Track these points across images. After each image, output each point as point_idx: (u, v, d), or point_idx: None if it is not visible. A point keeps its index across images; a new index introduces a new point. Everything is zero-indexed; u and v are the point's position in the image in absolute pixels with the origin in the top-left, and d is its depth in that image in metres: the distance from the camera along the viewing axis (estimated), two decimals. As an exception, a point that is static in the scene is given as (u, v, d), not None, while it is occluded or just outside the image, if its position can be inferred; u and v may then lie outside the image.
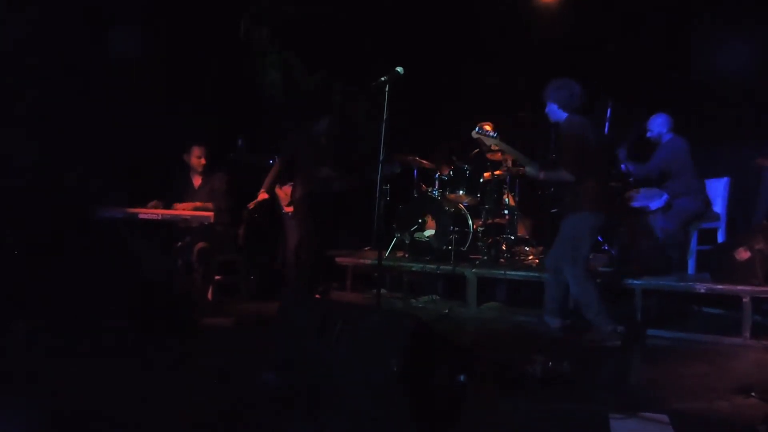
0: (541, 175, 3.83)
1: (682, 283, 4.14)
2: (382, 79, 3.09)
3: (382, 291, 5.50)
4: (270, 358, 2.71)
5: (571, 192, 3.71)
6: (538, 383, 2.78)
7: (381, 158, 3.11)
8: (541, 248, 5.53)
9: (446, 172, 5.60)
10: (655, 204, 4.48)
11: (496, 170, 5.50)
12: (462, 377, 2.41)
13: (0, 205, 3.94)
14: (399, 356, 2.18)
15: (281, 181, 5.68)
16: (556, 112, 3.82)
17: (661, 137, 4.67)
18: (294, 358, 2.62)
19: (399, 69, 3.11)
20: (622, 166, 4.71)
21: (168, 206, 4.42)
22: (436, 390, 2.30)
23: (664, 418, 2.42)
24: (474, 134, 4.15)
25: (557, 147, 4.20)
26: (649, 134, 4.72)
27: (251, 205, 4.80)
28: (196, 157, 4.67)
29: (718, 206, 4.71)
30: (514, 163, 5.61)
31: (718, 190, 4.74)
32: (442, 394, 2.33)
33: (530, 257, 5.51)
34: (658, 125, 4.68)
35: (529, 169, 3.91)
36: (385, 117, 3.08)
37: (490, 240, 5.40)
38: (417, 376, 2.22)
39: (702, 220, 4.68)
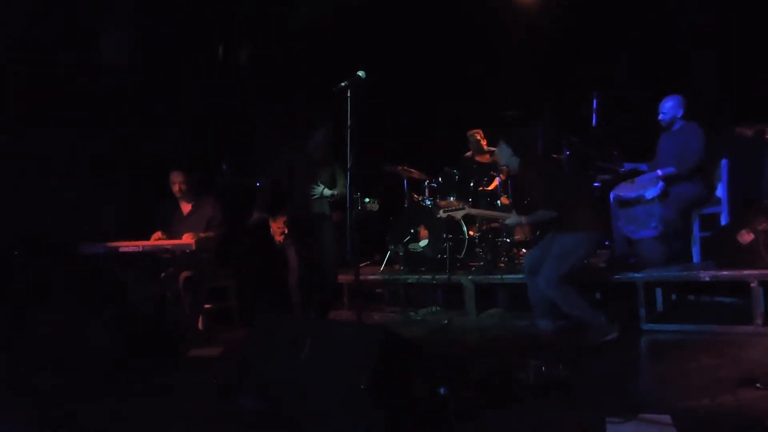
0: (524, 221, 3.83)
1: (685, 273, 3.93)
2: (343, 84, 2.97)
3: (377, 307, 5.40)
4: (245, 381, 2.58)
5: (562, 216, 3.63)
6: (532, 390, 2.59)
7: (349, 165, 2.98)
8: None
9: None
10: (650, 193, 4.28)
11: (487, 177, 5.37)
12: (442, 389, 2.25)
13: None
14: (368, 370, 2.03)
15: (273, 212, 5.54)
16: (509, 158, 3.89)
17: (674, 122, 4.46)
18: (268, 378, 2.48)
19: (360, 73, 2.99)
20: (660, 171, 4.37)
21: (170, 236, 4.33)
22: (413, 403, 2.15)
23: (667, 418, 2.23)
24: (443, 214, 4.14)
25: (524, 189, 4.18)
26: (661, 116, 4.48)
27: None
28: (175, 183, 4.56)
29: (719, 189, 4.50)
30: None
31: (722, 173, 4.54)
32: (422, 408, 2.17)
33: (530, 259, 5.32)
34: (672, 108, 4.43)
35: (510, 221, 3.94)
36: (349, 123, 2.96)
37: (486, 245, 5.23)
38: (390, 389, 2.07)
39: (703, 205, 4.48)
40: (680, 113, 4.42)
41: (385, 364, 2.07)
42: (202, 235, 4.33)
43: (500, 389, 2.58)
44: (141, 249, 4.13)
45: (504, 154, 3.91)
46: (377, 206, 4.83)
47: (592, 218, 3.64)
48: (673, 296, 4.57)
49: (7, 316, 3.87)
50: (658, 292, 4.30)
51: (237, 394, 2.60)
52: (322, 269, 4.59)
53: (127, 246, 4.13)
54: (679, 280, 4.06)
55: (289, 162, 4.65)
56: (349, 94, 2.95)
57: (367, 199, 4.76)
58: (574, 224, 3.59)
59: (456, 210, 4.04)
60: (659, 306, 4.28)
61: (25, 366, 3.40)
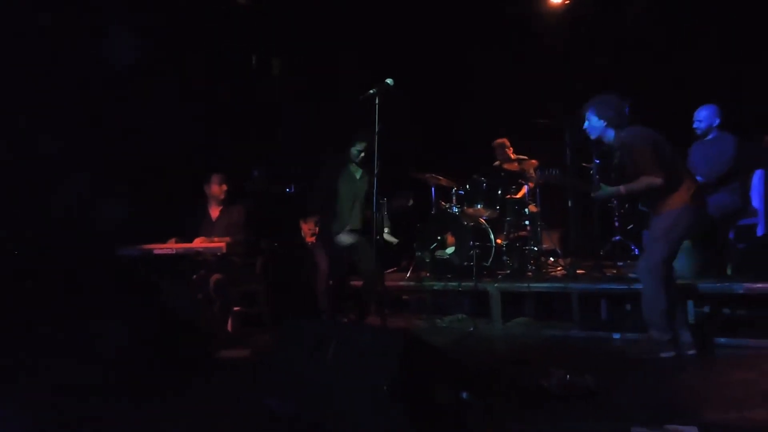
0: (622, 190, 3.48)
1: (719, 285, 3.84)
2: (371, 91, 3.01)
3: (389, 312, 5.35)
4: (271, 384, 2.62)
5: (659, 192, 3.38)
6: (554, 399, 2.57)
7: (375, 171, 3.02)
8: (569, 259, 5.28)
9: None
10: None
11: (515, 185, 5.34)
12: (465, 394, 2.26)
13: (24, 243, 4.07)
14: (389, 374, 2.05)
15: (304, 214, 5.60)
16: (603, 130, 3.53)
17: (710, 131, 4.40)
18: (293, 381, 2.52)
19: (389, 80, 3.04)
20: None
21: (187, 241, 4.42)
22: (435, 408, 2.16)
23: (693, 430, 2.19)
24: (539, 179, 4.12)
25: (622, 162, 3.75)
26: (696, 125, 4.42)
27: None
28: (217, 185, 4.66)
29: (755, 200, 4.39)
30: (534, 169, 5.44)
31: (753, 183, 4.43)
32: (443, 412, 2.18)
33: (558, 269, 5.27)
34: (708, 117, 4.37)
35: (603, 192, 3.59)
36: (376, 130, 3.00)
37: (514, 253, 5.20)
38: (411, 393, 2.09)
39: (739, 216, 4.37)
40: (716, 122, 4.35)
41: (407, 368, 2.09)
42: (216, 239, 4.43)
43: (521, 397, 2.57)
44: (174, 252, 4.25)
45: (595, 128, 3.54)
46: (411, 201, 4.70)
47: (690, 193, 3.36)
48: (706, 309, 4.45)
49: (41, 318, 4.00)
50: (690, 304, 4.20)
51: (262, 396, 2.64)
52: (365, 276, 4.54)
53: (161, 249, 4.26)
54: (713, 293, 3.96)
55: (333, 178, 4.52)
56: (377, 102, 2.99)
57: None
58: (670, 201, 3.35)
59: (552, 175, 3.80)
60: (690, 318, 4.17)
61: (59, 365, 3.51)
